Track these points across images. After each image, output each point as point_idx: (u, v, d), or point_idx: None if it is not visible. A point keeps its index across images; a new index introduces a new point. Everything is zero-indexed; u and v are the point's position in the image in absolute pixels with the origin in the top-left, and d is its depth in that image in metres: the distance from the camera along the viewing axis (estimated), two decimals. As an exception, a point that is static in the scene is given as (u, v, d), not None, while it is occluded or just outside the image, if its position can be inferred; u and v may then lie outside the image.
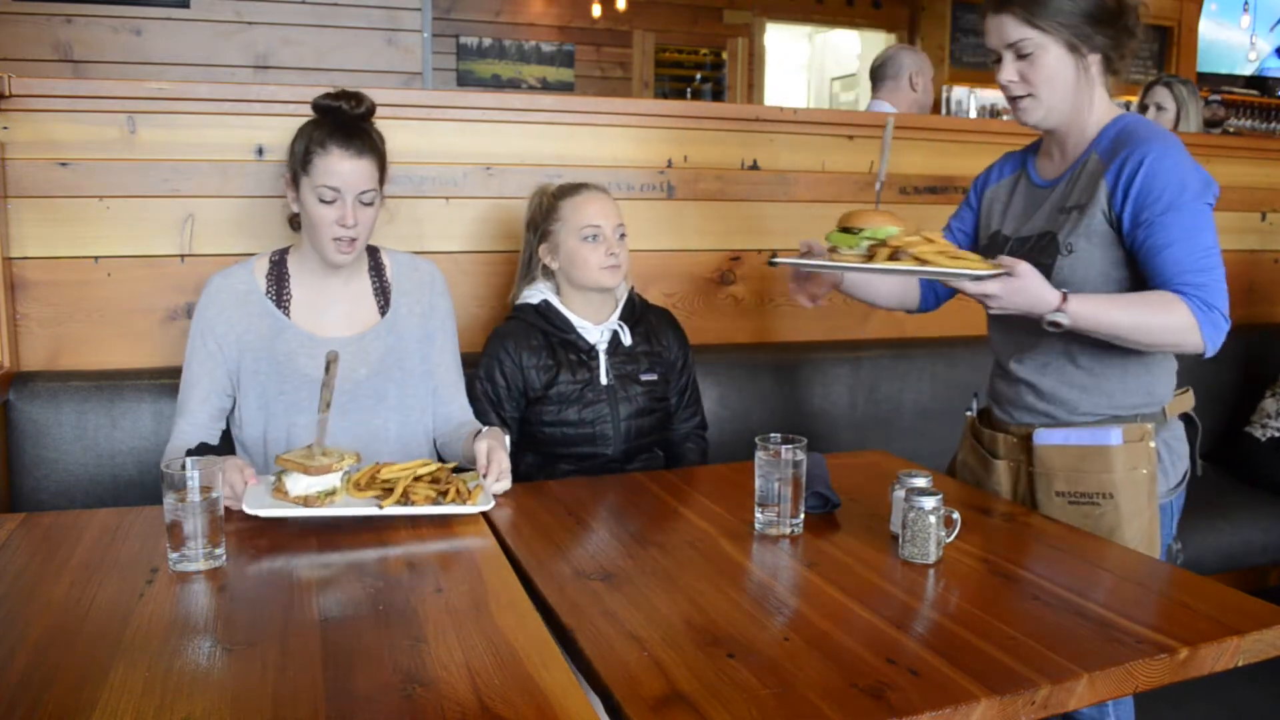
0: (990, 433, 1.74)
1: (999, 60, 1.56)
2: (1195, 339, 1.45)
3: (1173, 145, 1.50)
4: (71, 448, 1.95)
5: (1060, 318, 1.43)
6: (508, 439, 1.67)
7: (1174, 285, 1.47)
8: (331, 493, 1.43)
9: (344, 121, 1.70)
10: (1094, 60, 1.54)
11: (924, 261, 1.40)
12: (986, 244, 1.74)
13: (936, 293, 1.86)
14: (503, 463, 1.59)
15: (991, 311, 1.48)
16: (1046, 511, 1.60)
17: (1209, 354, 1.47)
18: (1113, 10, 1.53)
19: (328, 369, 1.50)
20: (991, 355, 1.77)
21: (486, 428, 1.69)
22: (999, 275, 1.41)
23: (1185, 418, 1.70)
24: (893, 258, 1.43)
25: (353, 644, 1.06)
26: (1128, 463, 1.57)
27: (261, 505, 1.39)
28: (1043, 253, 1.58)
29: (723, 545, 1.40)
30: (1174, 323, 1.45)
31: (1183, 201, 1.46)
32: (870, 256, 1.45)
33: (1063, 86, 1.54)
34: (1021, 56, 1.53)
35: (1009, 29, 1.52)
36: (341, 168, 1.65)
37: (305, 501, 1.41)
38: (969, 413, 1.86)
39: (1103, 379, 1.60)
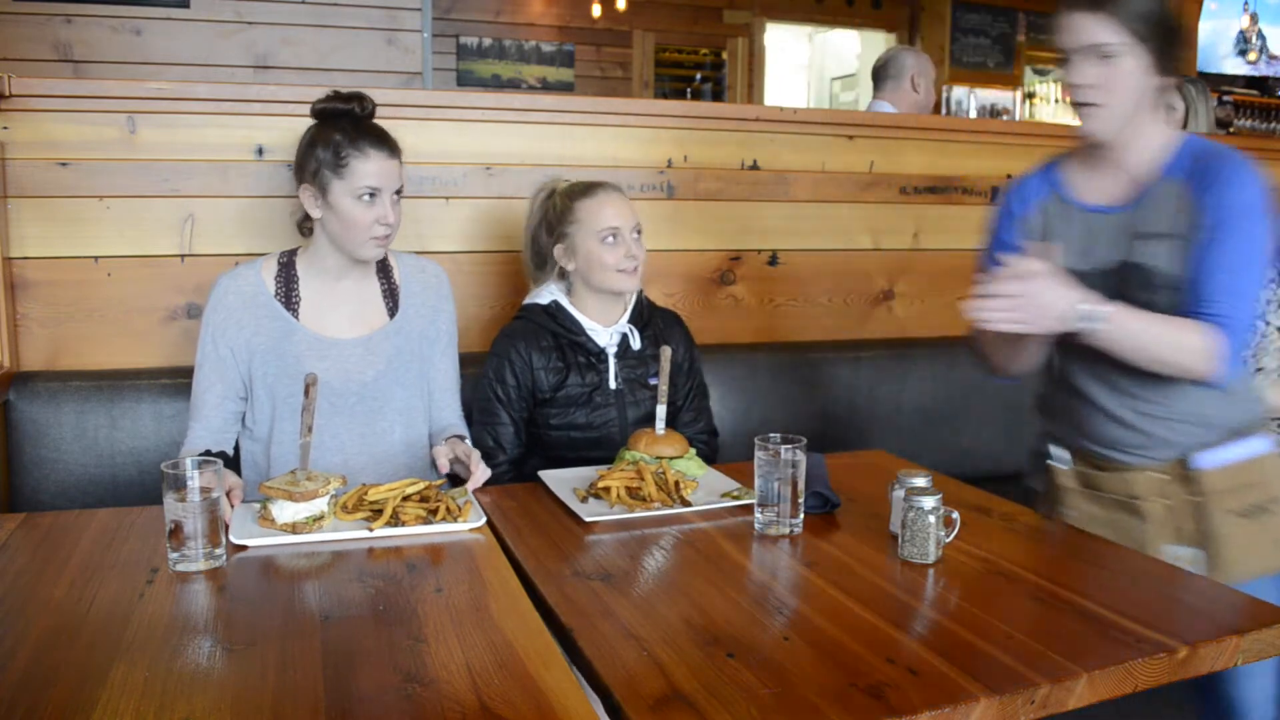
0: (1118, 475, 1.59)
1: (1065, 61, 1.47)
2: (1211, 367, 1.41)
3: (1249, 163, 1.46)
4: (71, 448, 1.95)
5: (1094, 312, 1.36)
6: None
7: (1208, 311, 1.42)
8: (319, 518, 1.42)
9: (365, 123, 1.72)
10: (1162, 84, 1.48)
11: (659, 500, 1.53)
12: None
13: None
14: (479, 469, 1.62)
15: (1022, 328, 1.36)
16: (1221, 531, 1.52)
17: (1221, 384, 1.44)
18: (1177, 54, 1.49)
19: (306, 392, 1.47)
20: (1064, 404, 1.66)
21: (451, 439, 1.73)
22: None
23: None
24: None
25: (353, 644, 1.06)
26: None
27: (249, 535, 1.38)
28: (1139, 288, 1.49)
29: (723, 545, 1.40)
30: (1198, 344, 1.41)
31: (1245, 225, 1.43)
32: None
33: (1136, 100, 1.46)
34: (1103, 58, 1.44)
35: (1098, 30, 1.43)
36: (382, 168, 1.69)
37: (293, 528, 1.39)
38: (1061, 465, 1.68)
39: (1230, 391, 1.51)
